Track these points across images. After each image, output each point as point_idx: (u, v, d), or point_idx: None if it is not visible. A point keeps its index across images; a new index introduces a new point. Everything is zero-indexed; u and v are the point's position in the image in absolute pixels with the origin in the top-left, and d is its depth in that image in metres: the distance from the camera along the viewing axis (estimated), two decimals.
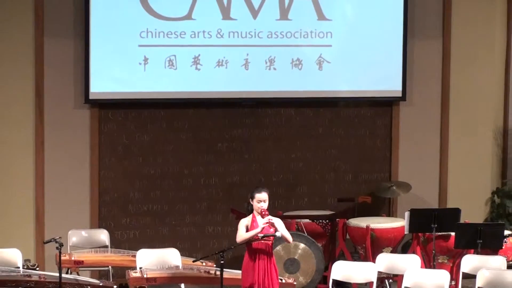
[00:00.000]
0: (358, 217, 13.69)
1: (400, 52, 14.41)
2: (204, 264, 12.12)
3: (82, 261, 12.52)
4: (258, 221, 11.02)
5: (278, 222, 11.09)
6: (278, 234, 11.00)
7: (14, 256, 12.14)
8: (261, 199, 11.01)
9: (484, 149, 14.82)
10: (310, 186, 14.46)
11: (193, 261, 12.13)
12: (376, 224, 13.45)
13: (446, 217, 12.84)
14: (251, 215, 11.06)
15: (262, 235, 10.93)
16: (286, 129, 14.42)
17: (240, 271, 11.66)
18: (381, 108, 14.66)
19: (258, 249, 11.03)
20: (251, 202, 11.04)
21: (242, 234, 10.98)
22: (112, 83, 13.77)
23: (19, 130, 13.60)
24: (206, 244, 13.88)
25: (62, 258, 11.59)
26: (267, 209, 10.99)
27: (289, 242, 11.54)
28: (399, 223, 13.45)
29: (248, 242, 11.02)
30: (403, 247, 13.82)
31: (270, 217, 10.96)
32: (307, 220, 13.31)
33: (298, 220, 13.23)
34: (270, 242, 11.06)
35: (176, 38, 13.86)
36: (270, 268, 11.07)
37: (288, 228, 11.51)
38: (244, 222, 11.08)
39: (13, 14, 13.45)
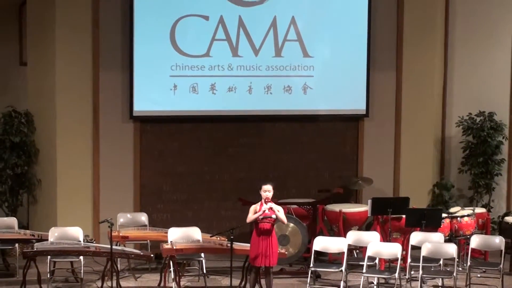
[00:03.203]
0: (333, 204, 13.66)
1: (364, 81, 14.39)
2: (218, 238, 12.11)
3: (128, 236, 12.57)
4: (263, 207, 11.11)
5: (279, 208, 11.18)
6: (273, 216, 11.08)
7: (76, 232, 12.17)
8: (266, 190, 11.11)
9: (427, 153, 14.79)
10: (297, 180, 14.43)
11: (210, 236, 12.17)
12: (347, 209, 13.46)
13: (398, 204, 12.82)
14: (259, 202, 11.15)
15: (261, 217, 11.02)
16: (279, 138, 14.40)
17: (245, 244, 11.70)
18: (350, 123, 14.63)
19: (263, 228, 11.09)
20: (260, 192, 11.13)
21: (250, 216, 11.13)
22: (150, 104, 13.77)
23: (81, 138, 13.60)
24: (220, 224, 13.85)
25: (113, 234, 11.66)
26: (270, 198, 11.08)
27: (284, 223, 11.62)
28: (363, 208, 13.45)
29: (255, 222, 11.10)
30: (367, 226, 13.80)
31: (270, 204, 11.05)
32: (295, 206, 13.29)
33: (288, 205, 13.22)
34: (271, 223, 11.11)
35: (197, 70, 13.86)
36: (271, 242, 11.12)
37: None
38: (254, 207, 11.19)
39: (76, 53, 13.48)
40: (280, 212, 11.19)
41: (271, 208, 11.08)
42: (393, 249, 11.70)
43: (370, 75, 14.42)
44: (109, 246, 11.31)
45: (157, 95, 13.78)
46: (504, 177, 15.00)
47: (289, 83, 14.19)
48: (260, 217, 11.06)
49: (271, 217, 11.07)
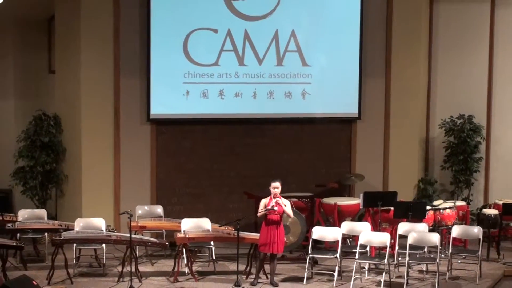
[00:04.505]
0: (329, 197, 13.67)
1: (356, 87, 14.39)
2: (226, 228, 12.12)
3: (145, 226, 12.56)
4: (272, 202, 11.18)
5: (286, 203, 11.24)
6: (275, 208, 11.14)
7: (99, 223, 12.19)
8: (275, 186, 11.23)
9: (413, 152, 14.78)
10: (297, 176, 14.42)
11: (219, 226, 12.17)
12: (341, 201, 13.45)
13: (387, 197, 12.83)
14: (269, 196, 11.22)
15: (265, 210, 11.07)
16: (281, 139, 14.39)
17: (250, 233, 11.74)
18: (344, 125, 14.62)
19: (271, 219, 11.16)
20: (269, 188, 11.21)
21: (259, 210, 11.23)
22: (165, 108, 13.76)
23: (103, 138, 13.59)
24: (228, 215, 13.82)
25: (132, 224, 11.69)
26: (278, 194, 11.14)
27: (290, 217, 11.67)
28: (356, 201, 13.45)
29: (265, 214, 11.14)
30: (359, 217, 13.80)
31: (277, 199, 11.14)
32: (295, 199, 13.23)
33: (289, 199, 13.18)
34: (279, 215, 11.18)
35: (207, 78, 13.84)
36: (279, 231, 11.22)
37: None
38: (264, 201, 11.27)
39: (99, 61, 13.48)
40: (287, 206, 11.25)
41: (279, 204, 11.16)
42: (382, 238, 11.69)
43: (362, 82, 14.42)
44: (128, 235, 11.33)
45: (171, 100, 13.77)
46: (482, 174, 15.01)
47: (289, 89, 14.18)
48: (265, 210, 11.14)
49: (272, 209, 11.13)
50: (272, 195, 11.20)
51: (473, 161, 14.72)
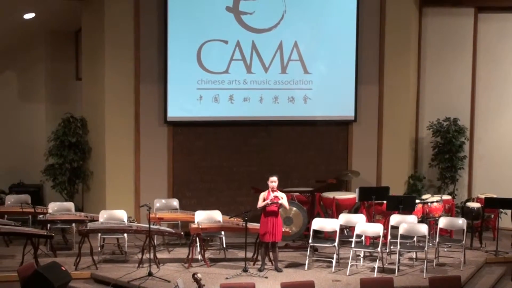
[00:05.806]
0: (328, 191, 13.66)
1: (353, 92, 14.35)
2: (235, 219, 12.12)
3: (162, 218, 12.57)
4: (270, 195, 11.15)
5: (283, 196, 11.22)
6: (278, 202, 11.15)
7: (121, 214, 12.22)
8: (272, 181, 11.18)
9: (404, 151, 14.74)
10: (299, 173, 14.41)
11: (229, 218, 12.19)
12: (339, 196, 13.44)
13: (381, 192, 12.83)
14: (267, 190, 11.20)
15: (269, 202, 11.06)
16: (284, 139, 14.38)
17: (257, 224, 11.71)
18: (341, 126, 14.60)
19: (270, 211, 11.14)
20: (267, 182, 11.20)
21: (259, 203, 11.19)
22: (181, 111, 13.75)
23: (125, 139, 13.59)
24: (237, 208, 13.83)
25: (150, 215, 11.71)
26: (276, 187, 11.13)
27: (286, 208, 11.64)
28: (352, 195, 13.42)
29: (264, 206, 11.12)
30: (355, 210, 13.78)
31: (275, 193, 11.10)
32: (297, 193, 13.26)
33: (292, 193, 13.21)
34: (277, 207, 11.16)
35: (219, 84, 13.84)
36: (277, 222, 11.18)
37: (287, 198, 11.54)
38: (263, 194, 11.23)
39: (121, 69, 13.48)
40: (283, 199, 11.22)
41: (276, 196, 11.15)
42: (376, 229, 11.69)
43: (358, 88, 14.40)
44: (147, 226, 11.35)
45: (186, 104, 13.77)
46: (466, 171, 14.97)
47: (292, 95, 14.17)
48: (269, 202, 11.14)
49: (276, 202, 11.14)
50: (270, 189, 11.20)
51: (458, 160, 14.69)
